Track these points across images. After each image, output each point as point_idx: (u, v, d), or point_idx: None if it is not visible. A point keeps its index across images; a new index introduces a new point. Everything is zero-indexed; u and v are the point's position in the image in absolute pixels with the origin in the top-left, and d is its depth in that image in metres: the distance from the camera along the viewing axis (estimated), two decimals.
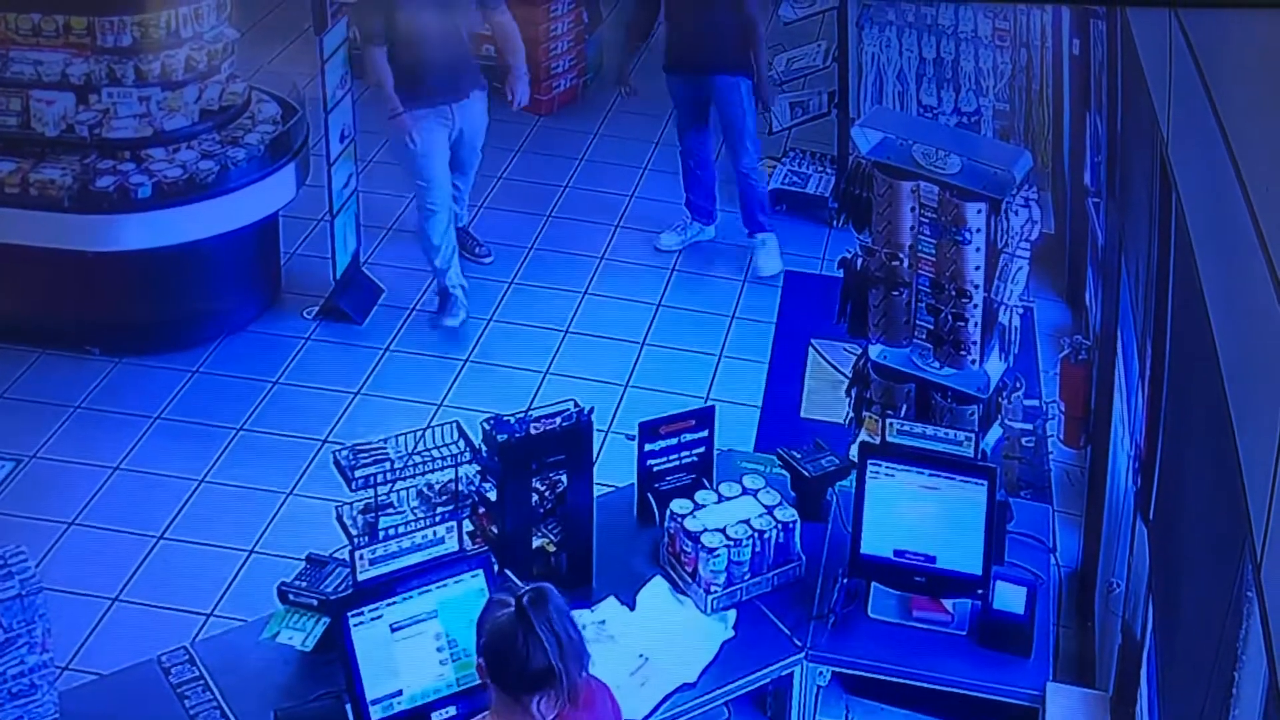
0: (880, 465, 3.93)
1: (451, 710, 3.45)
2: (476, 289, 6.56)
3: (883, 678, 3.86)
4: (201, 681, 3.63)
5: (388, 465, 3.75)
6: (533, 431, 3.79)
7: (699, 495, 4.09)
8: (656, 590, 3.98)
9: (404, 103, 6.23)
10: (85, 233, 6.07)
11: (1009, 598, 3.88)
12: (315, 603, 3.69)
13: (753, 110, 6.86)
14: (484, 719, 3.05)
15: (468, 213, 6.89)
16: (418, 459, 3.80)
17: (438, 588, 3.48)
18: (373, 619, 3.41)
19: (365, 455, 3.76)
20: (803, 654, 3.84)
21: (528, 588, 2.98)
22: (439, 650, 3.48)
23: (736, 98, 6.82)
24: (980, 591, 3.88)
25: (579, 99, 8.69)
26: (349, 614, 3.40)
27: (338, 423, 5.99)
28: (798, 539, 4.03)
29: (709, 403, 5.65)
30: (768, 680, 3.86)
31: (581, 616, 3.81)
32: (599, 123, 8.45)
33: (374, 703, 3.39)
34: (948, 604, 3.94)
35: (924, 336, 4.43)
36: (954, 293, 4.31)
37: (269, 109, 6.62)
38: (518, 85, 6.57)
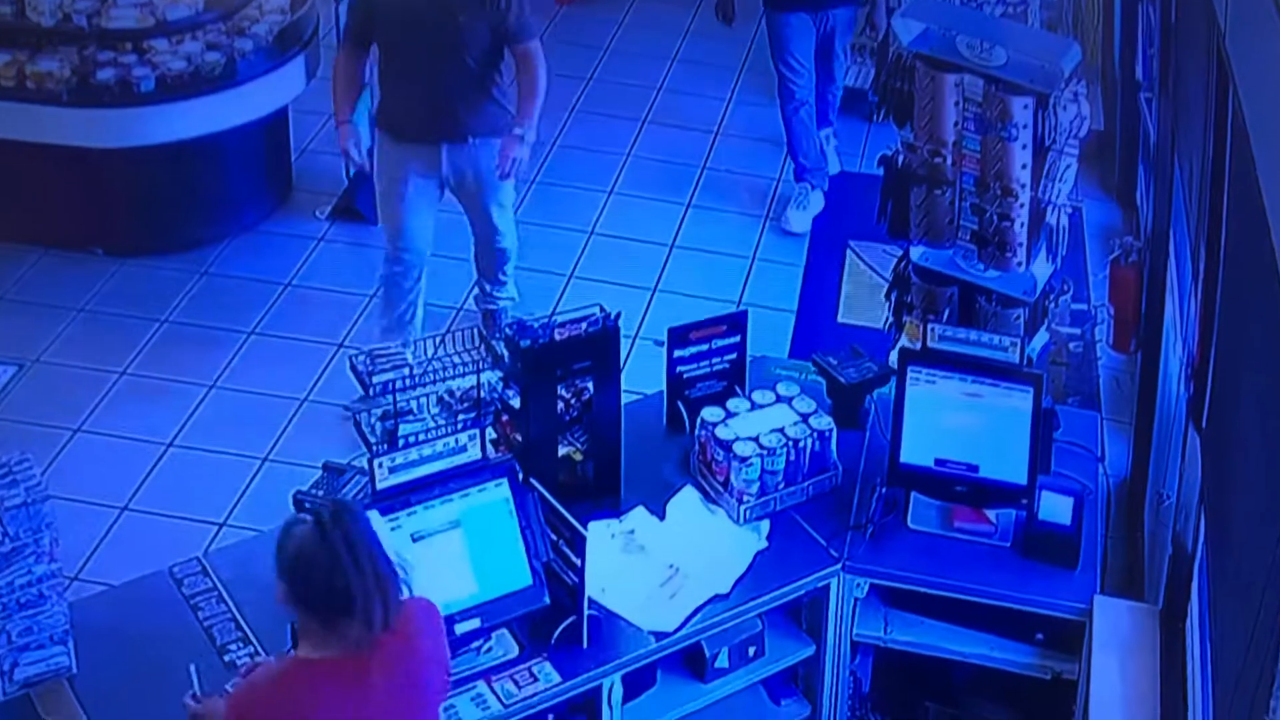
0: (921, 371, 3.80)
1: (475, 622, 3.35)
2: None
3: (923, 590, 3.77)
4: (215, 593, 3.54)
5: (407, 371, 3.63)
6: (557, 337, 3.65)
7: (731, 403, 3.95)
8: (687, 499, 3.88)
9: (391, 133, 5.27)
10: (85, 128, 5.87)
11: (1055, 508, 3.77)
12: None
13: None
14: (290, 654, 2.93)
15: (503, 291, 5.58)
16: (438, 365, 3.66)
17: (460, 497, 3.36)
18: (392, 528, 3.27)
19: (383, 360, 3.65)
20: (839, 565, 3.74)
21: (327, 502, 2.91)
22: (461, 560, 3.35)
23: (849, 22, 6.52)
24: (1025, 501, 3.77)
25: None
26: None
27: (353, 327, 5.85)
28: (834, 447, 3.91)
29: (741, 307, 5.51)
30: (803, 592, 3.76)
31: (610, 526, 3.74)
32: (625, 11, 8.20)
33: None
34: (990, 514, 3.83)
35: (968, 237, 4.28)
36: (999, 191, 4.16)
37: None
38: (513, 144, 5.08)
